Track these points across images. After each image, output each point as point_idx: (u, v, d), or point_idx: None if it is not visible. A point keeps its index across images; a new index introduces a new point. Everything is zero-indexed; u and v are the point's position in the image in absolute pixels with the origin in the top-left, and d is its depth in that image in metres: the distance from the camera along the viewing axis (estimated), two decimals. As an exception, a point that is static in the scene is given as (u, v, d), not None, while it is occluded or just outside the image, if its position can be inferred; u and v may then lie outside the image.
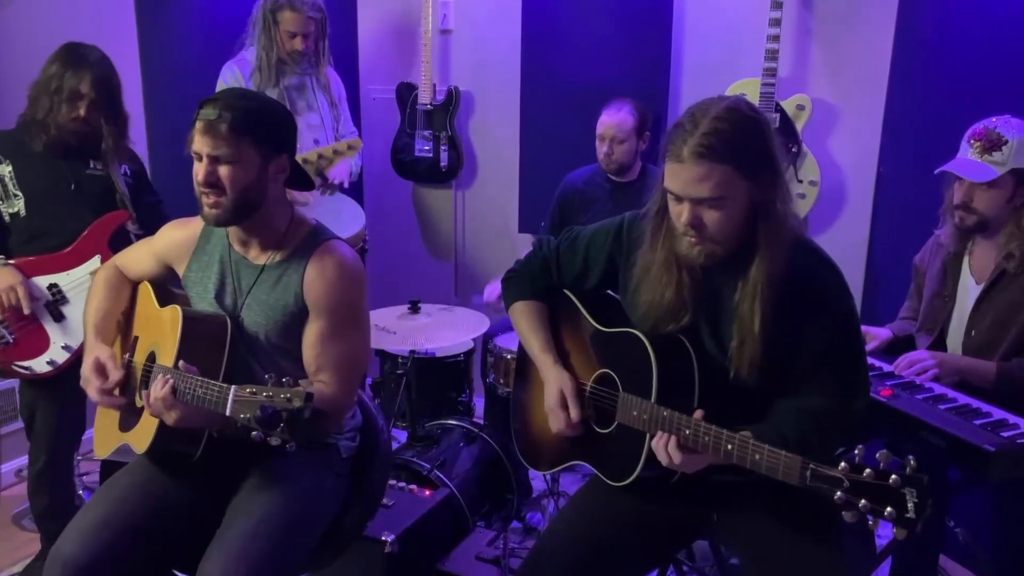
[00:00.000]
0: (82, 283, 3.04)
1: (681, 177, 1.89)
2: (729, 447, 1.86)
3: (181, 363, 2.09)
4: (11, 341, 2.98)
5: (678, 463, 1.90)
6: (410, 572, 2.75)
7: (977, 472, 2.23)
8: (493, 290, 4.00)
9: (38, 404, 3.13)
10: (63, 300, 3.05)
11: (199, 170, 2.17)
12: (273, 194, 2.27)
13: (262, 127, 2.19)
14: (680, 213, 1.94)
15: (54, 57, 2.99)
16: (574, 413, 2.18)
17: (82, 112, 2.97)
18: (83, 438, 3.56)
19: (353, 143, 3.60)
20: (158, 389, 2.07)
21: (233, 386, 1.97)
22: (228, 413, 1.96)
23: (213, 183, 2.16)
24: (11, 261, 2.98)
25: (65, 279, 3.05)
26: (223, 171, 2.16)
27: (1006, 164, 2.57)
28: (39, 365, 3.02)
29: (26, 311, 2.97)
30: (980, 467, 2.19)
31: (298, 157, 2.39)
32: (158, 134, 4.37)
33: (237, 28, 3.94)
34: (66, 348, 3.04)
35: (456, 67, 4.63)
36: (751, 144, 1.90)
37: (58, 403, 3.12)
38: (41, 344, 3.03)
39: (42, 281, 3.03)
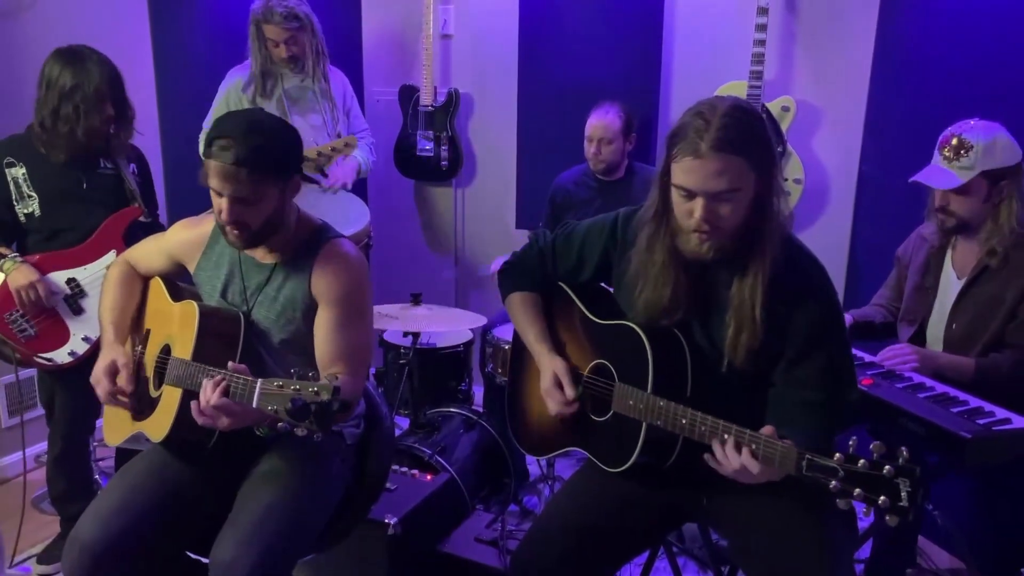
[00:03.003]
0: (99, 277, 3.03)
1: (700, 172, 1.87)
2: (726, 436, 1.86)
3: (230, 364, 2.03)
4: (33, 334, 2.99)
5: (756, 473, 1.84)
6: (412, 553, 2.75)
7: (954, 458, 2.23)
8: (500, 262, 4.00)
9: (56, 393, 3.14)
10: (81, 294, 3.05)
11: (222, 208, 2.15)
12: (288, 208, 2.28)
13: (278, 162, 2.18)
14: (692, 210, 1.91)
15: (57, 68, 2.92)
16: (569, 391, 2.18)
17: (111, 112, 2.95)
18: (98, 425, 3.57)
19: (350, 140, 3.57)
20: (210, 395, 1.99)
21: (259, 380, 1.95)
22: (255, 405, 1.94)
23: (238, 221, 2.16)
24: (25, 259, 2.97)
25: (83, 273, 3.05)
26: (248, 211, 2.15)
27: (973, 168, 2.56)
28: (61, 356, 3.02)
29: (47, 305, 2.97)
30: (957, 453, 2.19)
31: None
32: (170, 134, 4.36)
33: (246, 32, 3.92)
34: (86, 339, 3.04)
35: (456, 70, 4.62)
36: (758, 138, 1.90)
37: (75, 391, 3.11)
38: (62, 336, 3.03)
39: (60, 276, 3.02)
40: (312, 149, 3.60)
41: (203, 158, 2.15)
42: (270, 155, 2.15)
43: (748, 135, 1.88)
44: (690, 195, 1.91)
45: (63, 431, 3.17)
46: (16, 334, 2.97)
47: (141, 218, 3.14)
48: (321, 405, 1.86)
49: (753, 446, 1.82)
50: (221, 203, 2.15)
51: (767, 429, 1.85)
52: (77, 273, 3.05)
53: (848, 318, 2.93)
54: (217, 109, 3.85)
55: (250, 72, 3.86)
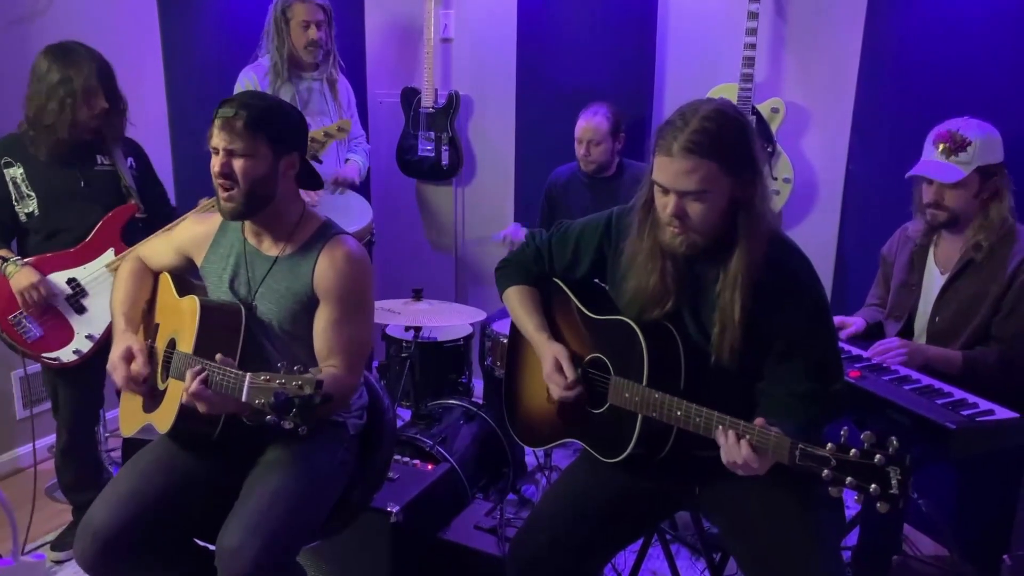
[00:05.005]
0: (99, 275, 3.01)
1: (670, 170, 1.89)
2: (720, 427, 1.85)
3: (218, 356, 2.04)
4: (39, 335, 2.96)
5: (756, 467, 1.83)
6: (413, 540, 2.74)
7: (939, 448, 2.22)
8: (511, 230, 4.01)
9: (59, 387, 3.12)
10: (83, 293, 3.02)
11: (215, 162, 2.18)
12: (284, 190, 2.26)
13: (275, 125, 2.19)
14: (666, 204, 1.93)
15: (46, 63, 2.88)
16: (569, 372, 2.16)
17: (104, 104, 2.91)
18: (109, 417, 3.55)
19: (343, 124, 3.51)
20: (191, 383, 2.04)
21: (248, 373, 1.95)
22: (244, 399, 1.94)
23: (227, 174, 2.17)
24: (28, 260, 2.94)
25: (83, 272, 3.01)
26: (237, 164, 2.16)
27: (971, 163, 2.56)
28: (66, 355, 3.00)
29: (49, 305, 2.94)
30: (942, 444, 2.18)
31: None
32: (180, 135, 4.35)
33: (254, 33, 3.90)
34: (90, 337, 3.01)
35: (456, 73, 4.61)
36: (735, 144, 1.89)
37: (76, 386, 3.11)
38: (66, 335, 3.00)
39: (61, 276, 2.99)
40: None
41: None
42: (268, 115, 2.19)
43: (722, 140, 1.87)
44: (665, 190, 1.92)
45: (68, 423, 3.15)
46: (21, 335, 2.94)
47: (137, 215, 3.09)
48: (303, 399, 1.86)
49: (747, 436, 1.81)
50: (216, 159, 2.18)
51: (758, 421, 1.84)
52: (77, 273, 3.01)
53: (860, 322, 2.91)
54: None
55: (268, 66, 3.82)
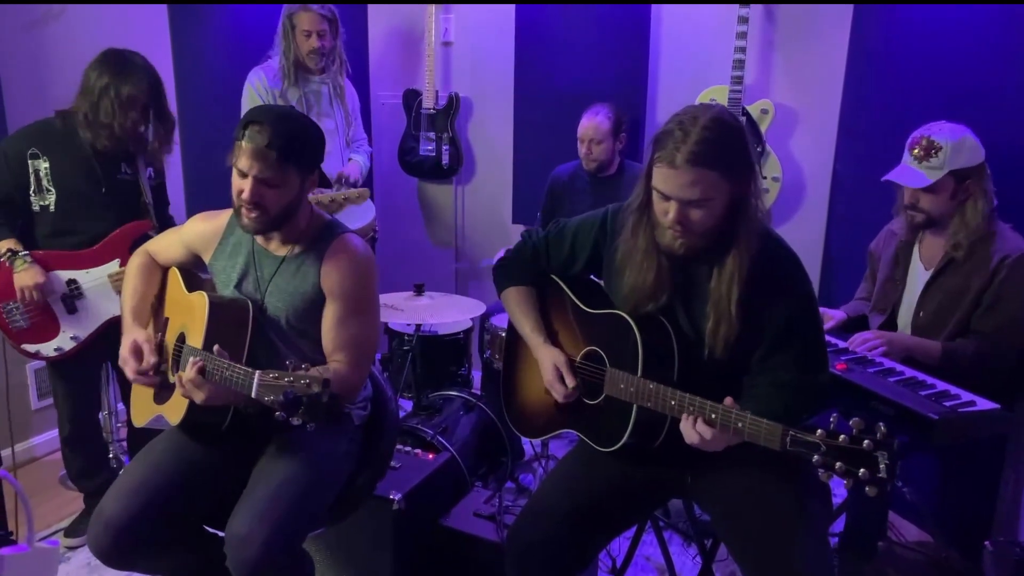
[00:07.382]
0: (98, 282, 2.99)
1: (674, 181, 1.88)
2: (713, 416, 1.86)
3: (216, 348, 2.05)
4: (24, 326, 2.94)
5: (709, 438, 1.86)
6: (415, 527, 2.74)
7: (922, 438, 2.22)
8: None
9: (55, 379, 3.12)
10: (79, 295, 2.99)
11: (243, 187, 2.14)
12: (303, 201, 2.26)
13: (305, 153, 2.17)
14: (667, 210, 1.92)
15: (101, 66, 2.86)
16: (569, 381, 2.17)
17: (137, 116, 2.88)
18: (120, 408, 3.55)
19: (362, 192, 3.54)
20: (188, 371, 2.05)
21: (258, 371, 1.95)
22: (254, 395, 1.94)
23: (257, 202, 2.14)
24: (34, 257, 2.91)
25: (84, 276, 2.99)
26: (268, 193, 2.14)
27: (943, 168, 2.56)
28: (46, 350, 2.98)
29: (44, 305, 2.93)
30: (925, 433, 2.18)
31: (311, 198, 2.38)
32: (190, 138, 4.32)
33: (262, 41, 3.90)
34: (74, 339, 3.00)
35: (456, 75, 4.60)
36: (734, 151, 1.89)
37: (70, 378, 3.11)
38: (51, 332, 2.98)
39: (62, 275, 2.96)
40: (326, 196, 3.55)
41: (235, 141, 2.14)
42: (299, 144, 2.15)
43: (723, 149, 1.87)
44: (666, 197, 1.92)
45: (68, 414, 3.14)
46: (7, 323, 2.93)
47: (151, 232, 3.05)
48: (311, 397, 1.86)
49: (740, 424, 1.82)
50: (244, 184, 2.14)
51: (727, 401, 1.86)
52: (79, 276, 2.98)
53: (842, 314, 2.93)
54: (247, 107, 3.79)
55: (278, 67, 3.81)
